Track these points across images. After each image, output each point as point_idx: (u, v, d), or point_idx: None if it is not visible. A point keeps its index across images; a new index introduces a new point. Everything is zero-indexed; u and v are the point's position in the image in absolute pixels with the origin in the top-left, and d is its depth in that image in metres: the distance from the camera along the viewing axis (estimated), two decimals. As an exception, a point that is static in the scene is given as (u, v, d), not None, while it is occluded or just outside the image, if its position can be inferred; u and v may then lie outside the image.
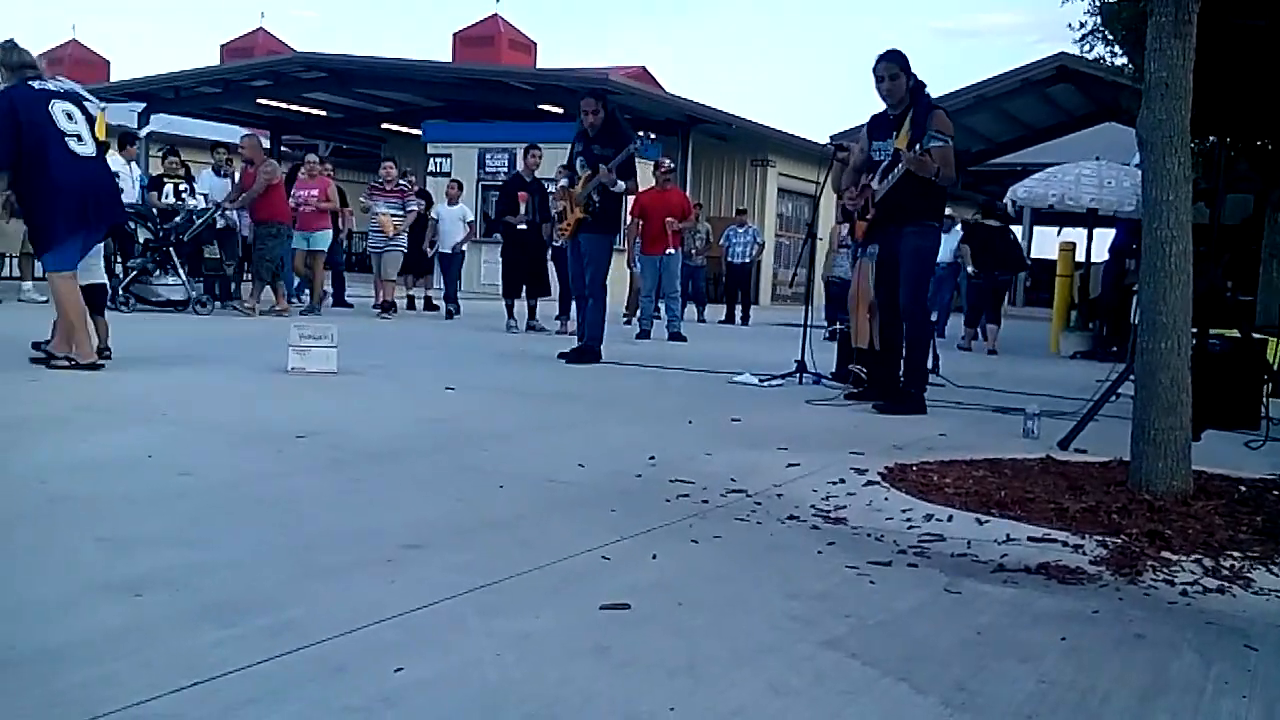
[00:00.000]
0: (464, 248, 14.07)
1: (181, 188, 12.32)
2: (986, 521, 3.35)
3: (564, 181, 8.59)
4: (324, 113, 25.30)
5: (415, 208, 13.01)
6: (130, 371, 6.21)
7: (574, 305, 10.35)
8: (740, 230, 16.86)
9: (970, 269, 12.99)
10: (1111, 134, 18.41)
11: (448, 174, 21.66)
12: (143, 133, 17.11)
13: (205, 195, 12.60)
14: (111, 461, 3.76)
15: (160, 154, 13.61)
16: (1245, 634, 2.47)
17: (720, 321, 15.85)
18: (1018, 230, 16.30)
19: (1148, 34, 3.77)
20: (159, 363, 6.79)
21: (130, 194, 12.10)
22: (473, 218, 14.19)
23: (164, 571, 2.50)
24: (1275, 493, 3.89)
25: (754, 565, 2.84)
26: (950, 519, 3.37)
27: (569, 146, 8.65)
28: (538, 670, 2.04)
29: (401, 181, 13.06)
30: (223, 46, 33.84)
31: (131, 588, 2.38)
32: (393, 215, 12.68)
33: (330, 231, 13.05)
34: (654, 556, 2.84)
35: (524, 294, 11.58)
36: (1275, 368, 6.60)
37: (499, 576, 2.57)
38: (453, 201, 13.98)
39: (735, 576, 2.74)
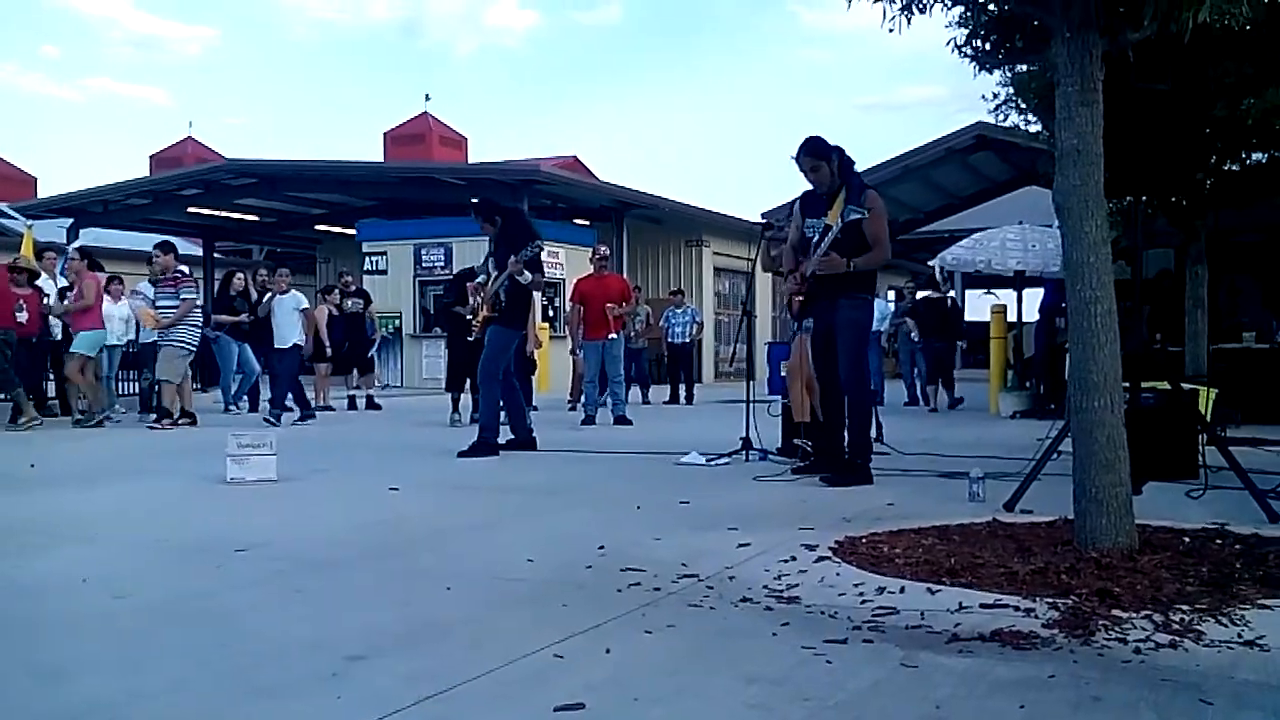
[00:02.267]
0: (301, 342, 12.44)
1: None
2: (938, 590, 3.35)
3: (481, 278, 8.63)
4: (256, 218, 25.23)
5: (190, 296, 11.40)
6: (64, 489, 6.05)
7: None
8: (678, 311, 16.99)
9: (914, 336, 14.21)
10: (1032, 197, 18.90)
11: (384, 272, 21.70)
12: (71, 248, 16.87)
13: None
14: (46, 585, 3.64)
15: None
16: (1199, 689, 2.47)
17: (665, 402, 15.87)
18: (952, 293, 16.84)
19: (1056, 104, 3.90)
20: (94, 479, 6.62)
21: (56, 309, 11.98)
22: (306, 305, 12.80)
23: (102, 700, 2.41)
24: (1218, 542, 3.94)
25: (709, 652, 2.81)
26: (903, 590, 3.37)
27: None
28: (492, 780, 1.98)
29: (178, 270, 11.75)
30: (152, 157, 33.77)
31: (71, 717, 2.28)
32: (162, 306, 11.35)
33: (100, 332, 11.70)
34: (607, 651, 2.80)
35: (468, 387, 11.52)
36: (1209, 417, 6.73)
37: (449, 684, 2.51)
38: (283, 292, 12.74)
39: (691, 666, 2.70)
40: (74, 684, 2.55)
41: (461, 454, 7.75)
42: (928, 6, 4.04)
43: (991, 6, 4.16)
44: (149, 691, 2.48)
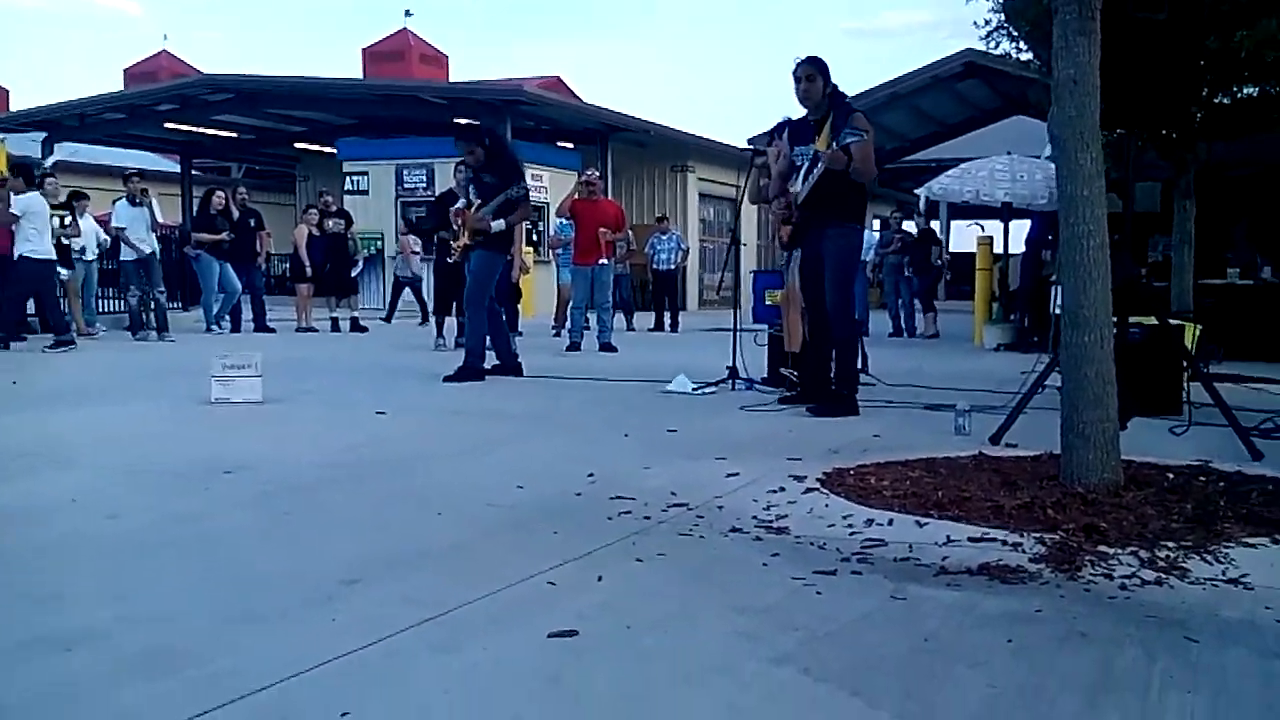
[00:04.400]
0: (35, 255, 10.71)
1: (67, 220, 11.86)
2: (926, 523, 3.37)
3: (461, 203, 8.52)
4: (235, 134, 24.81)
5: None
6: (48, 411, 6.02)
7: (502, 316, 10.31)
8: (664, 237, 16.90)
9: (909, 273, 15.43)
10: (1021, 127, 18.78)
11: (365, 192, 21.45)
12: (47, 162, 16.59)
13: (124, 229, 12.25)
14: (34, 509, 3.62)
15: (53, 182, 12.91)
16: (1185, 625, 2.51)
17: (649, 329, 15.86)
18: (935, 225, 17.03)
19: (1054, 33, 3.84)
20: (77, 400, 6.58)
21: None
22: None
23: (95, 625, 2.41)
24: (1202, 479, 3.98)
25: (700, 582, 2.83)
26: (891, 523, 3.39)
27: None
28: (489, 707, 2.00)
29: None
30: (125, 71, 33.12)
31: (62, 643, 2.29)
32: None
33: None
34: (599, 578, 2.81)
35: (454, 311, 11.47)
36: (1193, 352, 6.77)
37: (443, 609, 2.52)
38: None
39: (682, 594, 2.72)
40: (65, 609, 2.55)
41: (447, 379, 7.73)
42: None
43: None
44: (140, 617, 2.48)
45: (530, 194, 9.10)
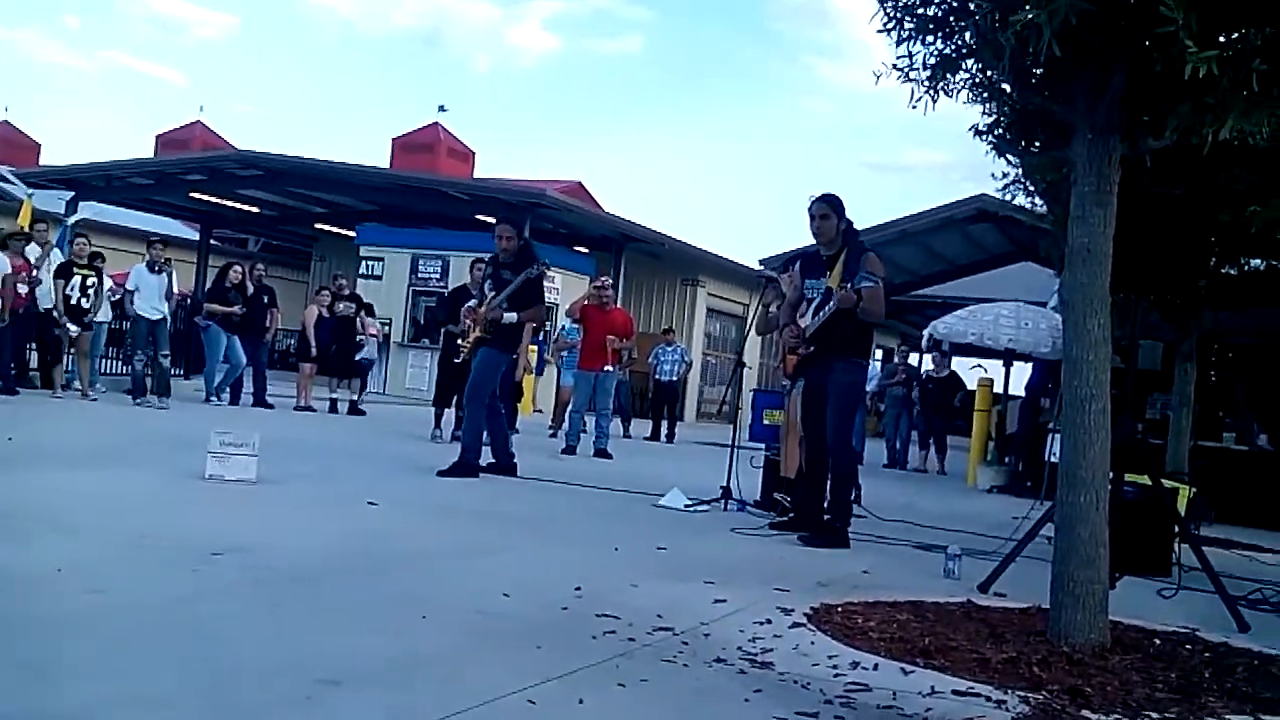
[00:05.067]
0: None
1: (89, 281, 12.02)
2: (911, 671, 3.36)
3: (472, 302, 8.63)
4: (257, 209, 25.20)
5: None
6: (45, 471, 6.02)
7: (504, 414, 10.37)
8: (668, 349, 17.04)
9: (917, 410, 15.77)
10: (1028, 273, 19.05)
11: (379, 277, 21.69)
12: (70, 220, 16.80)
13: (134, 291, 12.41)
14: (21, 575, 3.62)
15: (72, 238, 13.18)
16: (1164, 801, 2.49)
17: (645, 438, 15.88)
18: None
19: (1071, 201, 3.96)
20: (72, 462, 6.59)
21: (46, 282, 11.91)
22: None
23: (88, 705, 2.40)
24: (1188, 648, 3.97)
25: (682, 713, 2.82)
26: (876, 667, 3.38)
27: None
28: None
29: None
30: (158, 137, 33.72)
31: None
32: None
33: None
34: (580, 701, 2.80)
35: (454, 404, 11.52)
36: (1186, 515, 6.79)
37: (423, 720, 2.51)
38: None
39: (662, 725, 2.71)
40: (61, 685, 2.54)
41: (441, 473, 7.74)
42: (955, 92, 4.10)
43: (1016, 98, 4.22)
44: (129, 701, 2.47)
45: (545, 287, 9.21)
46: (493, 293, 8.16)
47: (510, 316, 8.04)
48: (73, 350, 12.27)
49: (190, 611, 3.37)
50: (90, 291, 11.97)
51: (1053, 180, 7.46)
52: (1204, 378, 10.35)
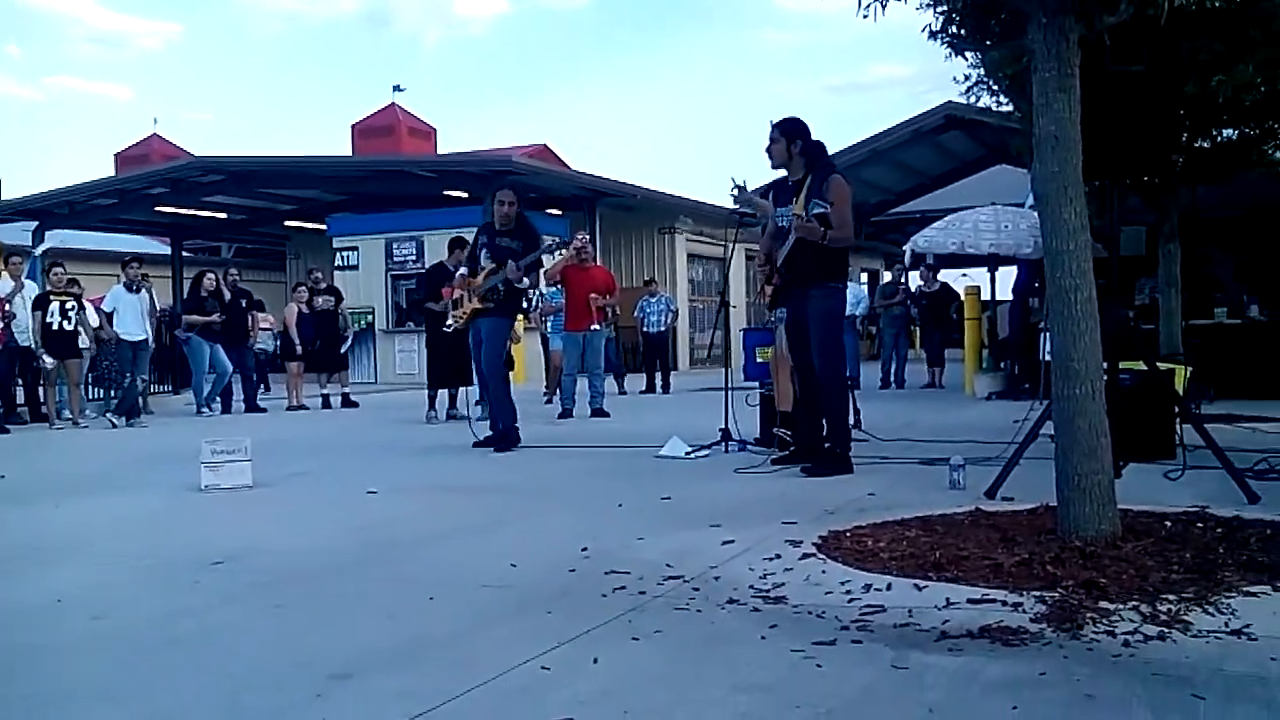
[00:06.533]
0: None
1: (69, 305, 11.93)
2: (925, 586, 3.33)
3: (464, 270, 8.56)
4: (225, 215, 24.95)
5: None
6: (36, 504, 5.96)
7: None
8: (652, 299, 16.95)
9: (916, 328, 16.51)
10: (1003, 176, 18.95)
11: (355, 267, 21.54)
12: (38, 250, 16.60)
13: (112, 313, 12.33)
14: (20, 609, 3.57)
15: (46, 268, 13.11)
16: (1190, 682, 2.46)
17: (641, 392, 15.83)
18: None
19: (1033, 90, 3.88)
20: (66, 491, 6.52)
21: (23, 316, 11.80)
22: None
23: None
24: (1200, 526, 3.95)
25: (698, 659, 2.78)
26: (889, 587, 3.35)
27: (475, 229, 8.69)
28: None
29: None
30: (117, 155, 33.34)
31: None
32: None
33: None
34: (595, 661, 2.76)
35: (447, 383, 11.47)
36: (1184, 394, 6.76)
37: (436, 701, 2.47)
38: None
39: (680, 674, 2.67)
40: (65, 715, 2.50)
41: (486, 445, 7.99)
42: (901, -6, 4.00)
43: (965, -7, 4.13)
44: (130, 720, 2.43)
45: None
46: (490, 263, 8.08)
47: (526, 282, 8.11)
48: (61, 380, 12.19)
49: (195, 624, 3.32)
50: (71, 314, 11.85)
51: (1014, 74, 7.37)
52: (1189, 256, 10.29)
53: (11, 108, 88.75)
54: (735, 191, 7.20)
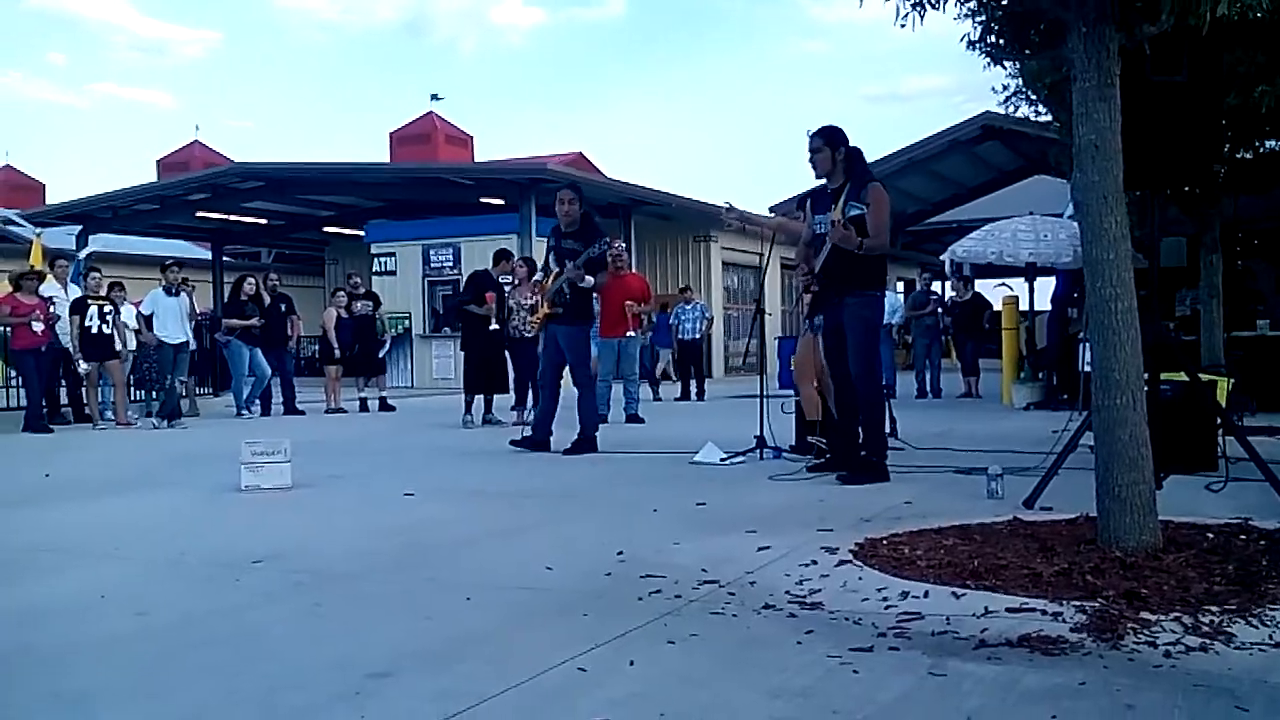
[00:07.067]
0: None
1: (106, 310, 12.11)
2: (963, 594, 3.31)
3: (539, 276, 8.68)
4: (265, 221, 25.25)
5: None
6: (79, 502, 6.05)
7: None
8: (688, 307, 16.97)
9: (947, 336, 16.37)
10: (1041, 186, 18.85)
11: (392, 273, 21.72)
12: (82, 254, 16.86)
13: (150, 316, 12.54)
14: (63, 606, 3.62)
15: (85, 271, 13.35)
16: (1233, 694, 2.44)
17: (676, 399, 15.84)
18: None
19: (1073, 99, 3.86)
20: (108, 490, 6.62)
21: (64, 319, 11.99)
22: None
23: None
24: (1242, 538, 3.90)
25: (734, 664, 2.78)
26: (926, 595, 3.33)
27: (512, 237, 8.83)
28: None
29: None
30: (159, 161, 33.85)
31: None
32: None
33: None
34: (631, 663, 2.77)
35: (485, 389, 11.54)
36: (1226, 406, 6.68)
37: (472, 701, 2.48)
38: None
39: (716, 678, 2.67)
40: (98, 712, 2.53)
41: (516, 444, 8.30)
42: (940, 2, 3.99)
43: (1005, 1, 4.11)
44: (178, 717, 2.46)
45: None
46: (556, 268, 8.15)
47: (589, 280, 8.13)
48: (103, 380, 12.40)
49: (235, 622, 3.36)
50: (109, 318, 12.03)
51: (1054, 83, 7.33)
52: (1231, 267, 10.18)
53: (56, 114, 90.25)
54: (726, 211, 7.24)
